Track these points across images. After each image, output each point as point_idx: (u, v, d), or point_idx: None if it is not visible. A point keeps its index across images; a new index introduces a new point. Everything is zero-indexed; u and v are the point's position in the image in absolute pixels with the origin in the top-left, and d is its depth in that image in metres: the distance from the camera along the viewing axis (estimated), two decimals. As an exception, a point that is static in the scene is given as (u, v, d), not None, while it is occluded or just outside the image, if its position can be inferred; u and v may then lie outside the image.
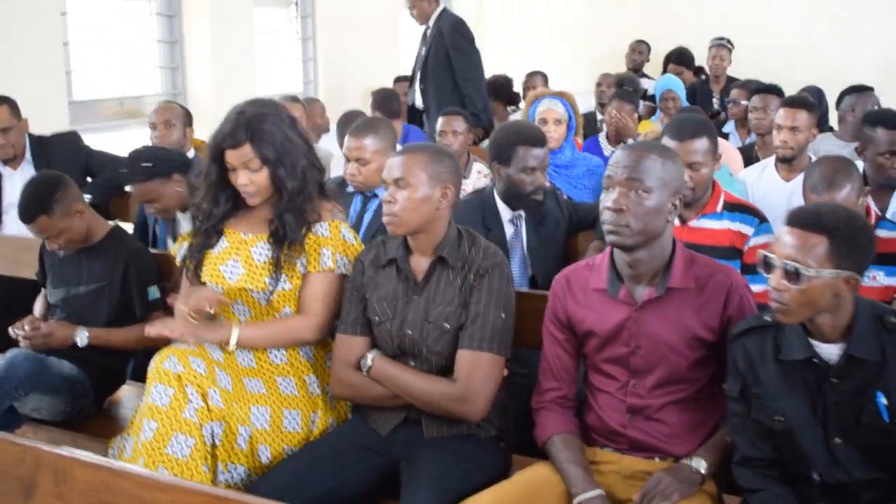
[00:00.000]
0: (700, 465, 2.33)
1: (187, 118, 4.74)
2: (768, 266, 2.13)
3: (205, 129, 4.62)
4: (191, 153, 4.55)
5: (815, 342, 2.16)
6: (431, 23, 6.44)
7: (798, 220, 2.11)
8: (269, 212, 2.80)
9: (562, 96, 4.54)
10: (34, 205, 3.26)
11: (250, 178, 2.72)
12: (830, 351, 2.15)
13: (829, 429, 2.15)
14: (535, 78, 7.35)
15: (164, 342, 2.69)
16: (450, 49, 6.32)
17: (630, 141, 5.13)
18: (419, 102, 6.60)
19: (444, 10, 6.51)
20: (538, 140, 3.54)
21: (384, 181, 2.67)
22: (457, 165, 2.72)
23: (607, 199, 2.35)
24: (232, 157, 2.72)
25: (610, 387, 2.48)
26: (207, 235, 2.83)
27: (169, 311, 3.33)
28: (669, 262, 2.41)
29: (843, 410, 2.13)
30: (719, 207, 3.32)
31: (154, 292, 3.34)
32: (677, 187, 2.37)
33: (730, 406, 2.29)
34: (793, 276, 2.08)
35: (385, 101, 5.64)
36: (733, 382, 2.27)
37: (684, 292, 2.40)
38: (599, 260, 2.52)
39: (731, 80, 7.16)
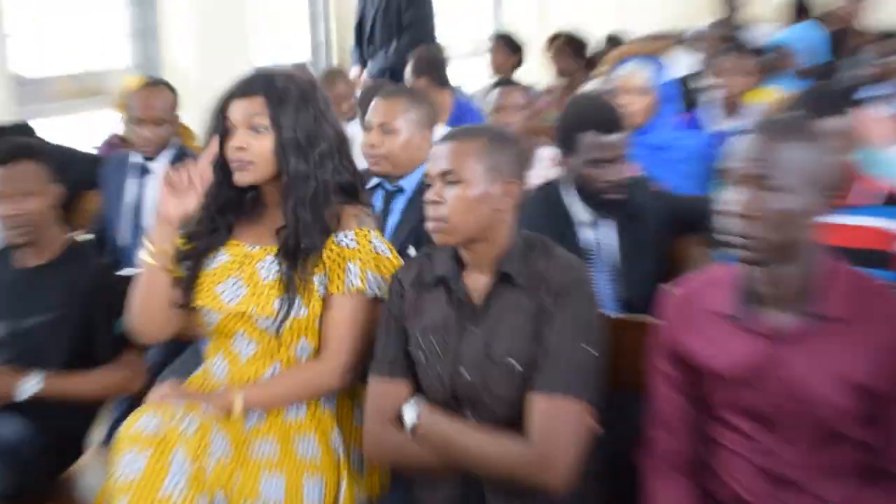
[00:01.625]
0: None
1: (177, 102, 4.75)
2: None
3: (185, 115, 4.68)
4: (174, 144, 4.60)
5: None
6: None
7: None
8: (278, 217, 2.82)
9: (656, 53, 4.52)
10: (19, 146, 3.36)
11: (248, 142, 2.75)
12: None
13: None
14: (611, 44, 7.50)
15: (143, 393, 2.73)
16: None
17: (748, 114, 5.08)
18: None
19: None
20: (609, 122, 3.52)
21: (427, 177, 2.67)
22: (523, 153, 2.72)
23: (729, 201, 2.33)
24: (236, 109, 2.77)
25: (738, 444, 2.44)
26: (204, 241, 2.86)
27: (142, 350, 3.32)
28: (821, 280, 2.35)
29: None
30: (860, 198, 3.32)
31: (123, 325, 3.30)
32: (827, 181, 2.32)
33: None
34: None
35: (430, 64, 5.67)
36: None
37: (843, 323, 2.33)
38: (722, 274, 2.48)
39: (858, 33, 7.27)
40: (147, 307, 2.84)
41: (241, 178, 2.78)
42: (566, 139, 3.55)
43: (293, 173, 2.75)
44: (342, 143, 2.86)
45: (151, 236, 2.81)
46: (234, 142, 2.76)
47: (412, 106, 3.79)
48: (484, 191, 2.59)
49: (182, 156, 4.48)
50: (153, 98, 4.63)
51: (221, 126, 2.80)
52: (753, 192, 2.29)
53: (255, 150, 2.75)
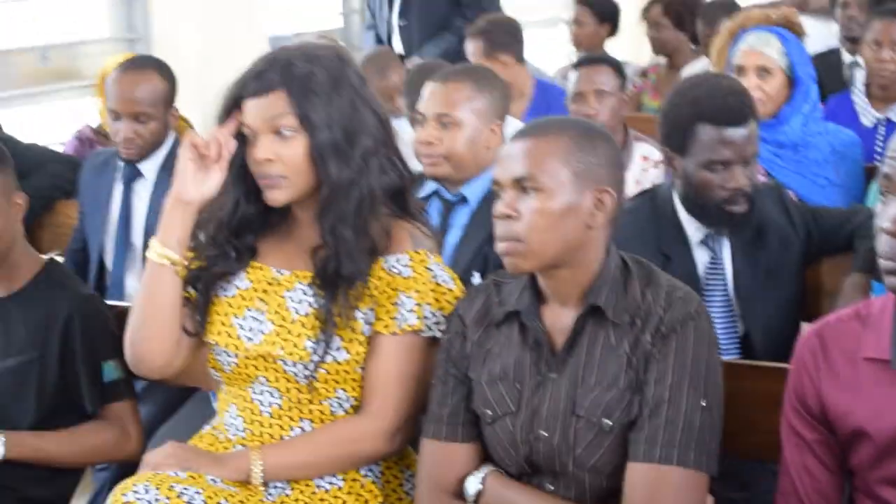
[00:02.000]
0: None
1: (172, 90, 4.65)
2: None
3: (181, 101, 4.67)
4: (168, 141, 4.60)
5: None
6: None
7: None
8: (315, 233, 2.83)
9: (784, 24, 4.51)
10: None
11: (276, 151, 2.74)
12: None
13: None
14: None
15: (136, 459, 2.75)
16: None
17: None
18: (398, 46, 6.92)
19: None
20: (736, 112, 3.48)
21: (496, 184, 2.66)
22: (617, 154, 2.72)
23: (886, 216, 2.32)
24: (253, 110, 2.76)
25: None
26: (220, 262, 2.88)
27: (135, 402, 3.39)
28: None
29: None
30: None
31: (113, 370, 3.38)
32: None
33: None
34: None
35: (510, 35, 5.69)
36: None
37: None
38: (877, 310, 2.48)
39: None
40: (151, 323, 2.84)
41: (275, 197, 2.78)
42: (676, 134, 3.51)
43: (335, 183, 2.75)
44: (387, 133, 2.86)
45: (161, 223, 2.83)
46: (256, 153, 2.75)
47: (479, 92, 3.79)
48: (570, 202, 2.59)
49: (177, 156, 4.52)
50: (134, 86, 4.49)
51: (239, 136, 2.81)
52: None
53: (286, 161, 2.74)
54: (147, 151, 4.51)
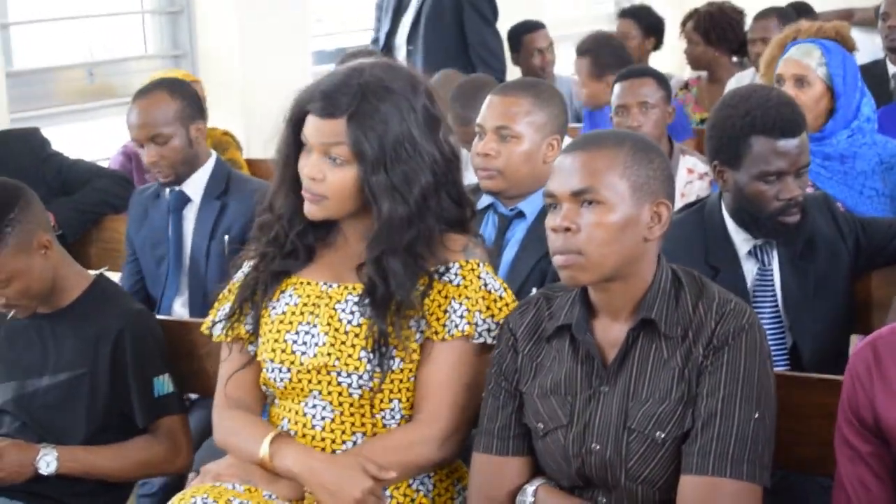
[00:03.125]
0: None
1: (189, 106, 4.61)
2: None
3: (226, 115, 4.66)
4: (210, 161, 4.57)
5: None
6: None
7: None
8: (363, 249, 2.83)
9: (835, 38, 4.48)
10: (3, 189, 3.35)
11: (324, 171, 2.76)
12: None
13: None
14: (769, 20, 7.24)
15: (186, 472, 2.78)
16: None
17: None
18: None
19: None
20: (789, 123, 3.47)
21: (551, 197, 2.64)
22: (670, 167, 2.71)
23: None
24: (313, 128, 2.77)
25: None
26: (277, 263, 2.89)
27: (186, 416, 3.40)
28: None
29: None
30: None
31: (164, 385, 3.40)
32: None
33: None
34: None
35: (614, 57, 5.74)
36: None
37: None
38: None
39: None
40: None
41: (312, 212, 2.80)
42: (727, 146, 3.50)
43: (387, 218, 2.74)
44: (450, 167, 2.85)
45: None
46: (307, 167, 2.77)
47: (538, 106, 3.78)
48: (630, 215, 2.59)
49: (222, 177, 4.53)
50: (145, 111, 4.48)
51: (295, 139, 2.82)
52: None
53: (331, 184, 2.76)
54: (181, 170, 4.48)
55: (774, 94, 3.65)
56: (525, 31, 7.60)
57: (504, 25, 7.59)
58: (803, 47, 4.54)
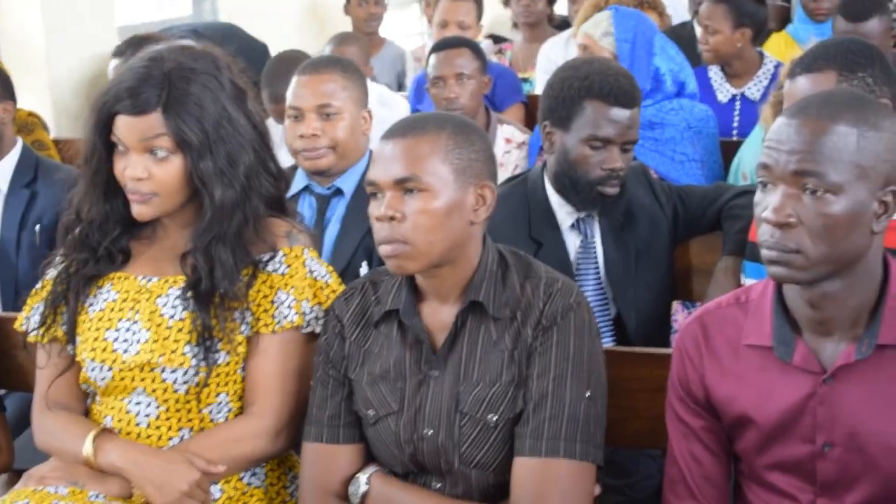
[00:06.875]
0: None
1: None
2: None
3: (30, 96, 4.53)
4: (17, 148, 4.42)
5: None
6: None
7: None
8: (185, 238, 2.79)
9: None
10: None
11: (149, 170, 2.69)
12: None
13: None
14: None
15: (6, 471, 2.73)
16: None
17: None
18: None
19: None
20: (624, 94, 3.51)
21: (372, 185, 2.61)
22: (491, 147, 2.71)
23: (764, 205, 2.31)
24: (126, 128, 2.69)
25: (782, 510, 2.47)
26: (85, 278, 2.82)
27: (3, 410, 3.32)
28: (879, 299, 2.38)
29: None
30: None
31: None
32: (890, 173, 2.29)
33: None
34: None
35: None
36: None
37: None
38: (757, 296, 2.49)
39: None
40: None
41: (142, 212, 2.72)
42: (561, 108, 3.54)
43: (218, 205, 2.71)
44: (263, 141, 2.83)
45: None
46: (128, 169, 2.69)
47: (349, 80, 3.80)
48: (454, 200, 2.57)
49: (30, 164, 4.38)
50: None
51: (105, 143, 2.73)
52: (793, 193, 2.26)
53: (158, 180, 2.69)
54: None
55: (614, 65, 3.76)
56: None
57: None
58: (598, 16, 4.66)
